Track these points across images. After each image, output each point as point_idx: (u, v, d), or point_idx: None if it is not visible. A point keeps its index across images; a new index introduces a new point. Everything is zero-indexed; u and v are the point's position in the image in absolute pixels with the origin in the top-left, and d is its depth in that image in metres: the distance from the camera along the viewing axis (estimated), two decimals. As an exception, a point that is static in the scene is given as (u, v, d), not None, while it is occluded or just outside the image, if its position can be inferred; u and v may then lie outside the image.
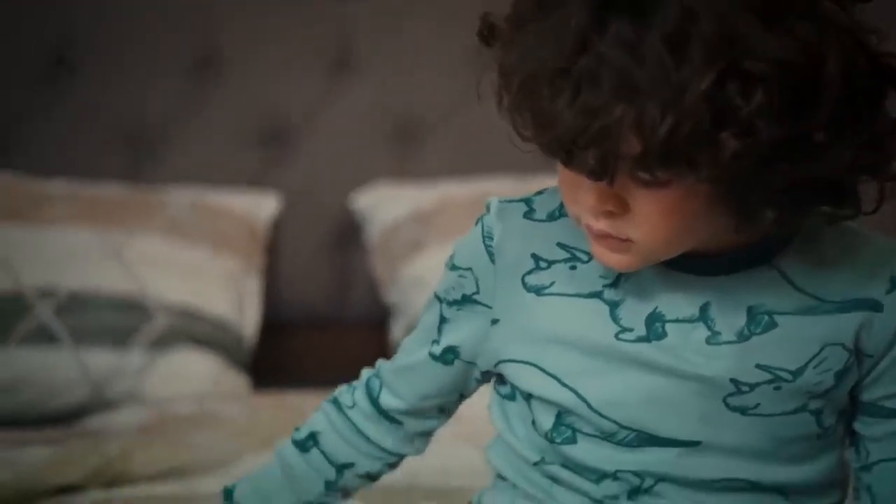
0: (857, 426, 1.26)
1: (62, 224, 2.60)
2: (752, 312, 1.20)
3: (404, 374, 1.34)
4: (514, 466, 1.30)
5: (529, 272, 1.25)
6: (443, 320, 1.31)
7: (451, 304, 1.30)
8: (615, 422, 1.22)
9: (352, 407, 1.37)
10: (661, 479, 1.23)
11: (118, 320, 2.51)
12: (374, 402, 1.36)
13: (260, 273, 2.75)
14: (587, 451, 1.24)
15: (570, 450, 1.25)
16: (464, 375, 1.33)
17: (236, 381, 2.55)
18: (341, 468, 1.37)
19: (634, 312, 1.21)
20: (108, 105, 2.84)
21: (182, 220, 2.68)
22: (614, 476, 1.23)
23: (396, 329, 2.72)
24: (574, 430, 1.24)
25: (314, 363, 2.78)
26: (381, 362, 1.38)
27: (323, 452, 1.37)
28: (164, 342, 2.51)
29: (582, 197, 1.14)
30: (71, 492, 2.01)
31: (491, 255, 1.26)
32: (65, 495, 2.01)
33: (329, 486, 1.38)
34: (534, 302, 1.24)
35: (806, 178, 1.10)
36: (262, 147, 2.90)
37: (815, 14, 1.07)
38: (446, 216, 2.74)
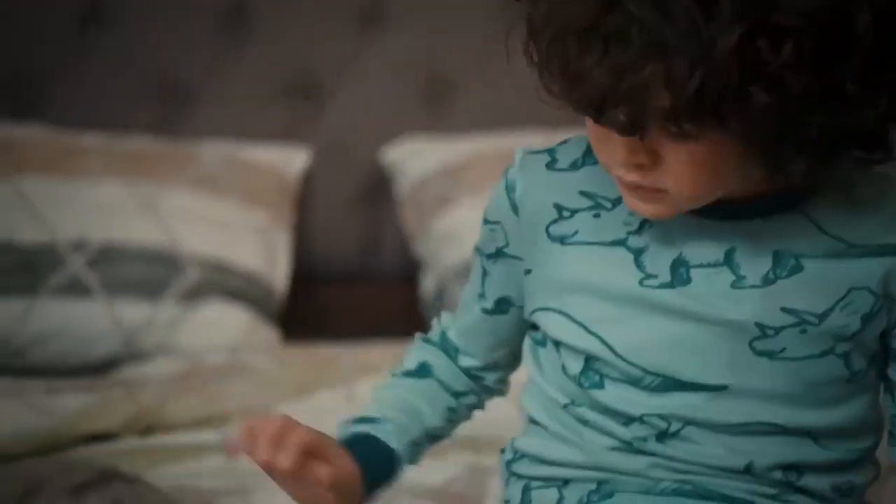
0: (890, 372, 1.26)
1: (95, 177, 2.61)
2: (777, 256, 1.20)
3: (469, 334, 1.36)
4: (545, 409, 1.31)
5: (553, 222, 1.26)
6: (484, 273, 1.33)
7: (488, 257, 1.32)
8: (641, 368, 1.23)
9: (441, 348, 1.37)
10: (688, 422, 1.23)
11: (150, 273, 2.52)
12: (455, 362, 1.37)
13: (290, 227, 2.76)
14: (614, 395, 1.25)
15: (597, 394, 1.26)
16: (524, 322, 1.33)
17: (267, 335, 2.56)
18: (457, 395, 1.37)
19: (659, 259, 1.22)
20: (139, 58, 2.85)
21: (213, 174, 2.69)
22: (641, 420, 1.24)
23: (426, 283, 2.73)
24: (601, 376, 1.25)
25: (344, 317, 2.79)
26: (447, 323, 1.38)
27: (439, 381, 1.36)
28: (195, 295, 2.53)
29: (612, 150, 1.15)
30: (105, 440, 2.04)
31: (514, 207, 1.27)
32: (99, 443, 2.03)
33: (451, 412, 1.36)
34: (558, 251, 1.25)
35: (837, 128, 1.10)
36: (293, 101, 2.90)
37: None
38: (476, 170, 2.74)
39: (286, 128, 2.89)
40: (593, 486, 1.28)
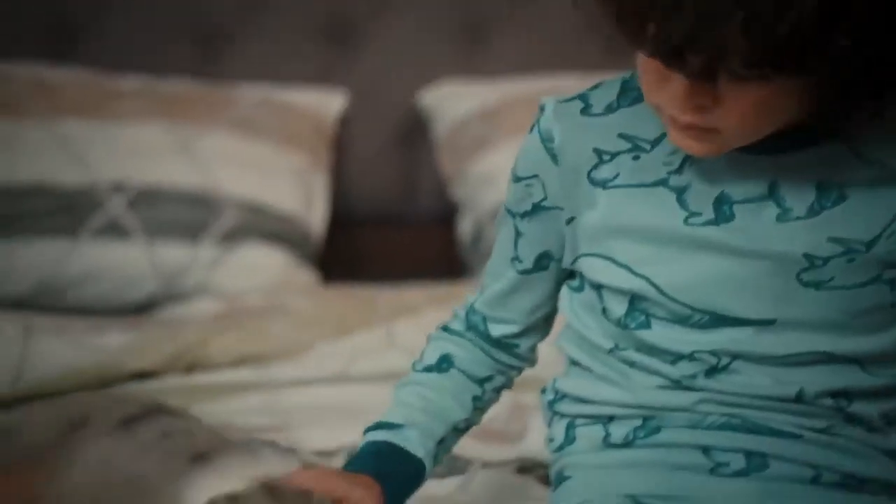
0: None
1: (133, 119, 2.62)
2: (821, 187, 1.21)
3: (503, 300, 1.35)
4: (588, 353, 1.31)
5: (594, 167, 1.26)
6: (518, 235, 1.32)
7: (522, 216, 1.31)
8: (688, 305, 1.24)
9: (463, 335, 1.37)
10: (736, 356, 1.24)
11: (189, 215, 2.53)
12: (485, 336, 1.36)
13: (327, 169, 2.76)
14: (662, 334, 1.25)
15: (644, 334, 1.26)
16: (562, 275, 1.33)
17: (305, 277, 2.57)
18: (482, 382, 1.36)
19: (701, 196, 1.22)
20: (176, 0, 2.85)
21: (250, 116, 2.70)
22: (690, 357, 1.25)
23: (463, 225, 2.74)
24: (648, 315, 1.26)
25: (381, 259, 2.80)
26: (470, 300, 1.37)
27: (462, 371, 1.35)
28: (233, 237, 2.54)
29: (671, 89, 1.14)
30: (148, 377, 2.05)
31: (554, 157, 1.27)
32: (142, 381, 2.04)
33: (476, 401, 1.35)
34: (601, 196, 1.25)
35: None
36: (329, 44, 2.90)
37: None
38: (512, 113, 2.74)
39: (322, 70, 2.89)
40: (639, 423, 1.28)
